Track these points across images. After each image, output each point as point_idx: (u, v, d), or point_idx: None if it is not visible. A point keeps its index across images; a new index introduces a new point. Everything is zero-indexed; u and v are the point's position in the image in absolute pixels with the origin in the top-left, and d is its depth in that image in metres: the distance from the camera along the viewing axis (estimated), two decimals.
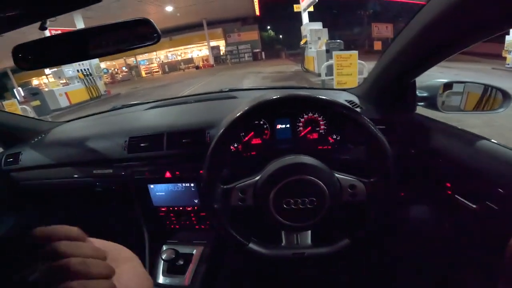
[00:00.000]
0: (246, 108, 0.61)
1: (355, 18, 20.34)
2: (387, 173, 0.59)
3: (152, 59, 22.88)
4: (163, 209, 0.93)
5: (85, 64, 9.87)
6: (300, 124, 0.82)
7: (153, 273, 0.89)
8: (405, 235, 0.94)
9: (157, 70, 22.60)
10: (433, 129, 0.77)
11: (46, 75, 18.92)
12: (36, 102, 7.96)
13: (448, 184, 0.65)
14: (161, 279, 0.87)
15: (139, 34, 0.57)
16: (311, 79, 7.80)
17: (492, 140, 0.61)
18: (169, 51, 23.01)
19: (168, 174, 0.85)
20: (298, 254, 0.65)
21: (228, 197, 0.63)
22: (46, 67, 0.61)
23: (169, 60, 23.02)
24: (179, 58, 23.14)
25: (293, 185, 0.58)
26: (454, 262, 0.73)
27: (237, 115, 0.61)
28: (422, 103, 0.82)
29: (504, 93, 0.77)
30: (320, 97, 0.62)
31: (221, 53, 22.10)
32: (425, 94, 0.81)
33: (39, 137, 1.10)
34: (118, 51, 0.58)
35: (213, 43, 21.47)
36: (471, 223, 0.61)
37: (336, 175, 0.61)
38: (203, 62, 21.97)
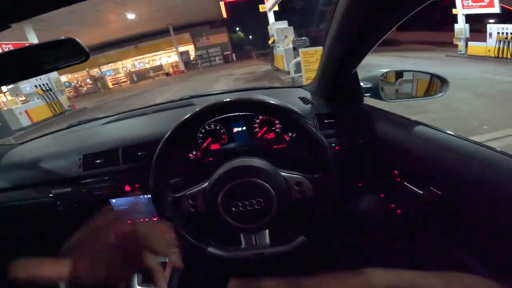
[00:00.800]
0: (184, 118, 0.63)
1: (319, 14, 20.94)
2: (328, 169, 0.62)
3: (118, 68, 21.85)
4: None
5: (43, 79, 9.24)
6: (256, 125, 0.83)
7: (129, 286, 0.88)
8: (359, 225, 0.98)
9: (125, 80, 21.59)
10: (378, 118, 0.80)
11: (3, 92, 17.37)
12: None
13: (396, 172, 0.68)
14: None
15: (66, 53, 0.56)
16: (282, 77, 7.96)
17: (430, 126, 0.65)
18: (136, 59, 22.14)
19: (127, 188, 0.86)
20: (257, 254, 0.66)
21: (179, 205, 0.63)
22: None
23: (137, 69, 22.13)
24: (147, 65, 22.34)
25: (239, 188, 0.59)
26: (408, 247, 0.76)
27: (175, 126, 0.63)
28: (367, 94, 0.87)
29: (442, 79, 0.83)
30: (263, 101, 0.65)
31: (191, 58, 21.71)
32: (369, 85, 0.86)
33: None
34: (42, 72, 0.59)
35: (182, 48, 21.02)
36: (420, 209, 0.64)
37: (283, 173, 0.62)
38: (173, 68, 21.39)
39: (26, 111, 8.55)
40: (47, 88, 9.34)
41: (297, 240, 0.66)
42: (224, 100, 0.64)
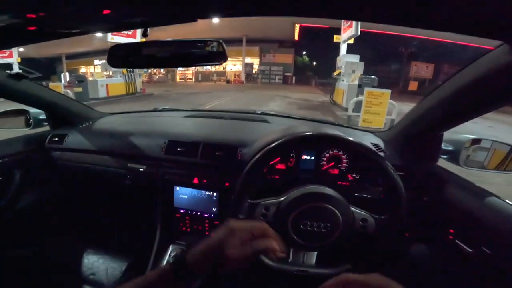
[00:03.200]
0: (282, 140, 0.69)
1: (394, 55, 19.99)
2: (397, 213, 0.66)
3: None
4: (181, 211, 0.99)
5: None
6: (324, 158, 0.86)
7: (154, 268, 0.92)
8: (403, 270, 0.94)
9: (191, 77, 23.78)
10: (450, 181, 0.80)
11: (94, 65, 20.60)
12: (79, 89, 8.56)
13: (452, 231, 0.71)
14: None
15: (211, 53, 0.64)
16: (337, 113, 7.74)
17: (501, 198, 0.65)
18: None
19: (195, 180, 0.93)
20: (301, 271, 0.70)
21: (253, 211, 0.69)
22: (130, 67, 0.71)
23: (203, 70, 24.17)
24: (213, 69, 24.25)
25: (312, 210, 0.65)
26: None
27: (274, 144, 0.69)
28: (445, 156, 0.85)
29: None
30: (350, 138, 0.70)
31: (253, 71, 22.84)
32: (450, 148, 0.84)
33: (87, 124, 1.19)
34: (190, 65, 0.67)
35: (248, 60, 22.31)
36: (466, 267, 0.67)
37: (351, 208, 0.67)
38: (234, 77, 22.80)
39: (107, 85, 9.86)
40: (131, 70, 10.62)
41: (342, 266, 0.69)
42: (324, 133, 0.72)
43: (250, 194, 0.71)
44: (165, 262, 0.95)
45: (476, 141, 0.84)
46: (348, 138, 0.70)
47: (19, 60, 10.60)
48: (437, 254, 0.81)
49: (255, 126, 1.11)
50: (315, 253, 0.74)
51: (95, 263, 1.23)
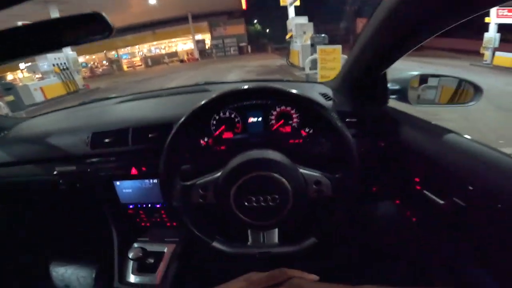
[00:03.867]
0: (209, 98, 0.60)
1: (341, 13, 20.37)
2: (351, 168, 0.58)
3: (134, 52, 22.13)
4: (131, 206, 0.91)
5: (61, 58, 9.48)
6: (273, 117, 0.78)
7: (122, 272, 0.89)
8: (373, 231, 0.95)
9: (140, 64, 21.89)
10: (404, 122, 0.76)
11: (21, 70, 17.98)
12: (10, 98, 7.56)
13: (417, 179, 0.65)
14: (131, 278, 0.87)
15: (90, 28, 0.52)
16: (296, 73, 7.84)
17: (464, 135, 0.60)
18: (153, 45, 22.34)
19: (134, 171, 0.83)
20: (263, 253, 0.62)
21: (189, 195, 0.60)
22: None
23: (153, 54, 22.39)
24: (163, 51, 22.53)
25: (254, 182, 0.55)
26: (422, 256, 0.73)
27: (190, 111, 0.60)
28: (394, 96, 0.81)
29: (476, 87, 0.78)
30: (287, 89, 0.60)
31: (207, 47, 21.71)
32: (396, 87, 0.81)
33: (2, 134, 1.04)
34: (67, 44, 0.54)
35: (198, 37, 21.05)
36: (438, 219, 0.61)
37: (301, 170, 0.58)
38: (187, 55, 21.50)
39: (41, 88, 8.80)
40: (65, 67, 9.56)
41: (307, 241, 0.62)
42: (245, 86, 0.61)
43: (183, 175, 0.62)
44: (131, 263, 0.90)
45: (423, 80, 0.83)
46: (283, 89, 0.61)
47: None
48: (407, 209, 0.76)
49: (195, 97, 1.00)
50: (276, 230, 0.65)
51: (64, 274, 1.17)
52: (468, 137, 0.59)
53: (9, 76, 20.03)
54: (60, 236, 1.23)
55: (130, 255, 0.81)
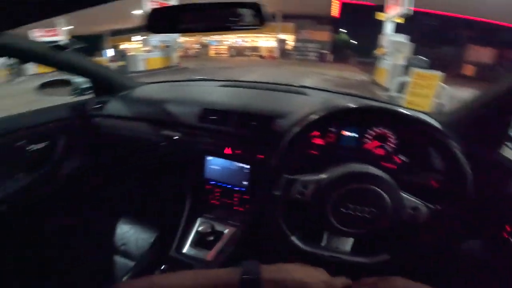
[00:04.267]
0: (326, 112, 0.64)
1: (448, 37, 17.59)
2: (458, 204, 0.58)
3: (222, 41, 23.95)
4: (211, 182, 0.98)
5: (167, 36, 11.00)
6: (368, 136, 0.76)
7: (181, 242, 0.92)
8: (451, 264, 0.89)
9: (225, 52, 23.63)
10: None
11: (135, 41, 21.58)
12: (122, 63, 9.28)
13: (508, 228, 0.64)
14: (186, 249, 0.90)
15: (245, 16, 0.58)
16: (377, 92, 7.25)
17: None
18: (240, 37, 23.75)
19: (228, 150, 0.89)
20: (335, 257, 0.65)
21: (290, 187, 0.64)
22: (171, 32, 0.65)
23: (237, 45, 23.80)
24: (247, 44, 23.73)
25: (358, 192, 0.59)
26: None
27: (316, 117, 0.64)
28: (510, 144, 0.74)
29: None
30: (409, 113, 0.62)
31: (288, 47, 21.92)
32: None
33: (126, 92, 1.21)
34: (225, 29, 0.60)
35: (282, 36, 21.37)
36: None
37: (402, 194, 0.60)
38: (268, 52, 22.16)
39: (146, 59, 10.44)
40: (168, 44, 11.19)
41: (379, 257, 0.63)
42: (370, 104, 0.65)
43: (287, 169, 0.66)
44: (191, 236, 0.94)
45: None
46: (404, 111, 0.62)
47: (70, 38, 11.49)
48: (490, 251, 0.74)
49: (293, 98, 1.03)
50: (351, 239, 0.68)
51: (126, 234, 1.23)
52: None
53: (123, 46, 24.26)
54: (135, 195, 1.35)
55: (200, 228, 0.87)
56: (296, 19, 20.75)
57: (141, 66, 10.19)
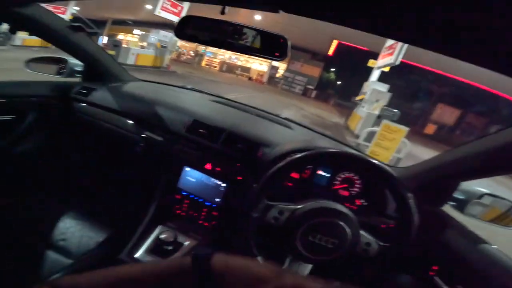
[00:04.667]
0: (313, 152, 0.71)
1: (423, 91, 18.67)
2: (402, 243, 0.68)
3: (217, 53, 24.33)
4: (183, 193, 0.98)
5: (167, 37, 11.06)
6: (338, 178, 0.86)
7: (135, 247, 0.88)
8: None
9: (216, 66, 23.91)
10: (451, 226, 0.82)
11: (133, 34, 21.14)
12: (112, 52, 8.95)
13: (435, 268, 0.73)
14: (139, 254, 0.86)
15: (272, 47, 0.62)
16: (347, 137, 7.68)
17: (493, 246, 0.68)
18: (234, 53, 24.34)
19: (209, 166, 0.91)
20: None
21: (267, 212, 0.71)
22: (193, 41, 0.68)
23: (230, 62, 24.32)
24: (239, 63, 24.34)
25: (326, 224, 0.67)
26: None
27: (303, 154, 0.71)
28: (453, 203, 0.85)
29: None
30: (382, 165, 0.70)
31: (277, 75, 22.87)
32: (461, 197, 0.84)
33: (117, 84, 1.19)
34: (248, 52, 0.63)
35: (275, 63, 22.27)
36: None
37: (360, 231, 0.69)
38: (257, 76, 22.88)
39: (137, 54, 10.20)
40: (165, 45, 11.10)
41: (333, 284, 0.68)
42: (351, 152, 0.74)
43: (267, 196, 0.72)
44: (148, 242, 0.89)
45: (482, 196, 0.84)
46: (375, 161, 0.70)
47: (71, 18, 11.29)
48: (414, 285, 0.83)
49: (279, 129, 1.09)
50: (310, 266, 0.75)
51: (70, 229, 1.08)
52: (496, 247, 0.67)
53: (120, 36, 23.58)
54: (96, 191, 1.26)
55: (163, 235, 0.83)
56: (293, 49, 21.73)
57: (130, 60, 9.92)
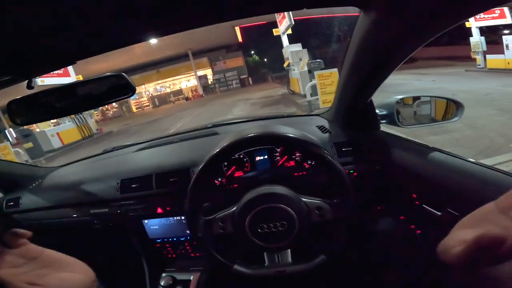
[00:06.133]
0: (218, 150, 0.72)
1: (332, 35, 20.93)
2: (346, 194, 0.68)
3: (141, 93, 23.25)
4: (158, 240, 1.02)
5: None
6: (277, 154, 0.88)
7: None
8: (380, 246, 1.00)
9: (147, 104, 22.87)
10: (395, 145, 0.84)
11: None
12: (29, 144, 7.91)
13: (415, 195, 0.73)
14: None
15: (116, 88, 0.60)
16: (298, 101, 8.03)
17: (445, 151, 0.70)
18: (158, 84, 23.48)
19: (159, 210, 0.94)
20: (279, 272, 0.71)
21: (210, 227, 0.71)
22: (37, 122, 0.66)
23: (159, 93, 23.41)
24: (168, 90, 23.58)
25: (264, 212, 0.66)
26: (428, 267, 0.78)
27: (207, 158, 0.72)
28: (384, 121, 0.90)
29: (457, 103, 0.85)
30: (284, 134, 0.72)
31: (209, 82, 22.66)
32: (384, 112, 0.89)
33: (37, 182, 1.16)
34: (98, 104, 0.63)
35: (201, 73, 22.07)
36: (438, 229, 0.67)
37: (304, 199, 0.69)
38: (192, 92, 22.41)
39: (57, 134, 9.20)
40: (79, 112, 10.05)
41: (317, 259, 0.71)
42: (248, 135, 0.73)
43: (205, 211, 0.73)
44: None
45: (416, 97, 0.91)
46: (282, 134, 0.72)
47: None
48: (408, 223, 0.82)
49: (206, 141, 1.12)
50: (289, 251, 0.74)
51: None
52: (447, 152, 0.68)
53: None
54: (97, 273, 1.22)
55: (162, 283, 0.90)
56: (207, 52, 21.85)
57: (55, 143, 8.98)
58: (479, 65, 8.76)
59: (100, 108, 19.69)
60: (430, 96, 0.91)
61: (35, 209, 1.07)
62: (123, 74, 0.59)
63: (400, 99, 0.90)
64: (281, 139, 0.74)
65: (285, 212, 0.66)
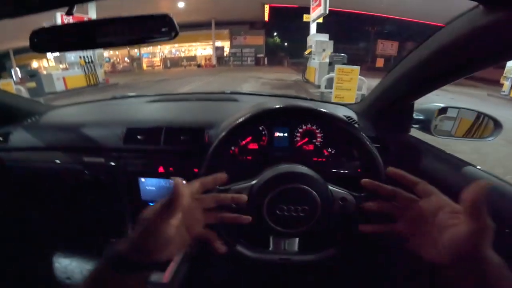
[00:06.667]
0: (249, 114, 0.64)
1: (362, 33, 20.62)
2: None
3: (155, 53, 22.81)
4: (150, 204, 0.92)
5: (88, 51, 9.79)
6: (298, 134, 0.82)
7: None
8: (390, 249, 0.96)
9: (159, 64, 22.53)
10: (424, 151, 0.80)
11: (47, 59, 18.78)
12: (32, 84, 7.86)
13: None
14: None
15: (158, 28, 0.56)
16: (310, 90, 7.88)
17: (477, 167, 0.66)
18: (174, 47, 23.00)
19: (161, 169, 0.86)
20: (284, 259, 0.66)
21: None
22: (60, 51, 0.64)
23: (172, 56, 23.00)
24: (182, 54, 23.12)
25: (288, 193, 0.59)
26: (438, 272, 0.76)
27: (240, 120, 0.64)
28: (416, 126, 0.85)
29: (496, 122, 0.80)
30: (323, 110, 0.66)
31: (225, 55, 22.20)
32: (421, 117, 0.84)
33: (33, 119, 1.08)
34: (131, 42, 0.59)
35: (218, 44, 21.57)
36: None
37: (329, 187, 0.62)
38: (205, 61, 21.99)
39: (63, 78, 9.12)
40: (90, 60, 9.90)
41: (327, 252, 0.66)
42: (293, 104, 0.67)
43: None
44: None
45: (443, 111, 0.85)
46: (320, 109, 0.66)
47: None
48: None
49: (223, 105, 1.05)
50: (297, 239, 0.69)
51: (68, 267, 1.15)
52: (480, 168, 0.65)
53: (34, 64, 20.86)
54: (70, 228, 1.23)
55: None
56: (230, 25, 21.26)
57: (59, 86, 8.88)
58: (504, 91, 8.46)
59: (112, 60, 19.45)
60: (465, 109, 0.86)
61: (24, 148, 0.99)
62: (169, 14, 0.54)
63: (443, 107, 0.84)
64: (319, 114, 0.67)
65: (309, 197, 0.59)
